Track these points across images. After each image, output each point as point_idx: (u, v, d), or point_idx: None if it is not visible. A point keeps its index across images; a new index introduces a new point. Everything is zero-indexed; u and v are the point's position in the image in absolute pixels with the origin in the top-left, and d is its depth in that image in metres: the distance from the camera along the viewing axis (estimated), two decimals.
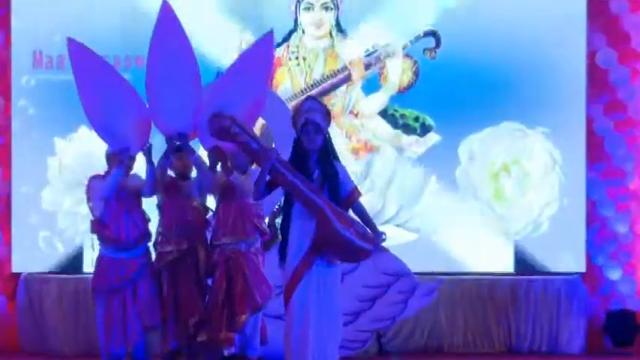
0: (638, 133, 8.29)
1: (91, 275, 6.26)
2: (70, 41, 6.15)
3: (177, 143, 6.17)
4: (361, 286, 7.37)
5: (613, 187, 8.34)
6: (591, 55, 8.23)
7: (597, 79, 8.24)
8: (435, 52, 8.10)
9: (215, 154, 6.19)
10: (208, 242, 6.30)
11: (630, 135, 8.26)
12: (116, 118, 6.17)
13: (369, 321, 7.44)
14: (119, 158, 6.21)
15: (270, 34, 6.21)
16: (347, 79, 8.29)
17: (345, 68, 8.27)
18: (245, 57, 6.35)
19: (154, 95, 6.16)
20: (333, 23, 8.20)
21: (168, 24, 6.07)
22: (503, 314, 8.06)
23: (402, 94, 8.22)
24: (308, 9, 8.16)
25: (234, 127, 5.17)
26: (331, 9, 8.15)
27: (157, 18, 6.04)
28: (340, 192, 5.18)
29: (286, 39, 8.22)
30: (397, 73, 8.14)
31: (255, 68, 6.16)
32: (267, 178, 5.10)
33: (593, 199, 8.32)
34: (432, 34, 8.16)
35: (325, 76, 8.28)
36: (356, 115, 8.25)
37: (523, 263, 8.27)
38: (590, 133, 8.24)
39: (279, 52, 8.14)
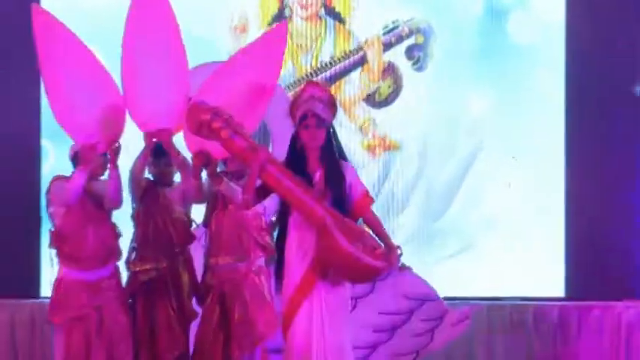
0: None
1: (49, 300, 6.05)
2: (35, 9, 5.94)
3: (157, 141, 5.99)
4: (378, 313, 7.11)
5: None
6: None
7: None
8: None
9: (200, 159, 5.93)
10: (204, 261, 6.20)
11: None
12: (85, 107, 5.96)
13: (387, 355, 7.20)
14: (85, 156, 5.96)
15: (283, 24, 6.42)
16: (361, 61, 8.09)
17: (359, 49, 8.10)
18: (253, 47, 6.33)
19: (131, 80, 5.96)
20: (322, 3, 8.17)
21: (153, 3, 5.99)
22: (552, 348, 7.80)
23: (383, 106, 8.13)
24: None
25: (215, 121, 5.06)
26: None
27: None
28: (347, 198, 5.16)
29: (276, 19, 8.11)
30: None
31: (264, 62, 6.10)
32: (258, 182, 5.11)
33: None
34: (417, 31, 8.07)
35: (335, 59, 8.09)
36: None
37: (576, 286, 7.98)
38: None
39: None
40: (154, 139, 6.02)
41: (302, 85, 5.36)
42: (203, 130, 5.10)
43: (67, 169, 6.10)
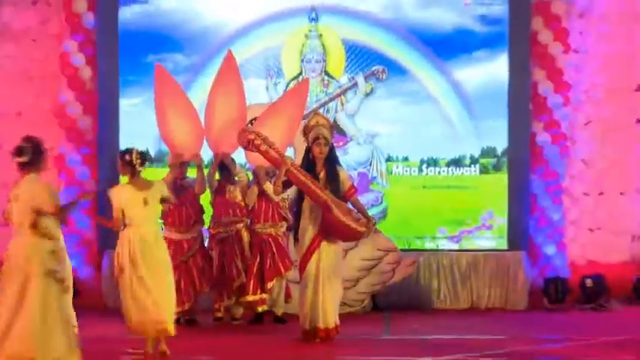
0: (568, 145, 9.64)
1: None
2: (158, 66, 7.35)
3: (222, 159, 7.55)
4: (359, 259, 8.58)
5: (550, 185, 9.61)
6: (534, 85, 9.63)
7: (539, 104, 9.60)
8: (384, 74, 9.49)
9: (256, 171, 7.57)
10: (249, 227, 7.75)
11: (562, 146, 9.64)
12: (179, 132, 7.45)
13: (366, 285, 8.67)
14: (171, 162, 7.61)
15: (306, 81, 7.93)
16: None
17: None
18: (287, 96, 7.82)
19: (209, 120, 7.55)
20: (324, 70, 9.54)
21: (230, 72, 7.36)
22: (468, 280, 9.32)
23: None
24: (308, 61, 9.58)
25: (257, 140, 5.90)
26: (320, 62, 9.53)
27: (221, 64, 7.42)
28: (341, 189, 6.05)
29: (295, 77, 9.63)
30: (361, 92, 9.46)
31: (294, 105, 7.39)
32: (284, 178, 5.95)
33: (535, 193, 9.61)
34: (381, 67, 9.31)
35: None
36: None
37: (484, 244, 9.58)
38: (533, 145, 9.60)
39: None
40: (220, 158, 7.49)
41: (310, 116, 6.14)
42: (249, 146, 5.89)
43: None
